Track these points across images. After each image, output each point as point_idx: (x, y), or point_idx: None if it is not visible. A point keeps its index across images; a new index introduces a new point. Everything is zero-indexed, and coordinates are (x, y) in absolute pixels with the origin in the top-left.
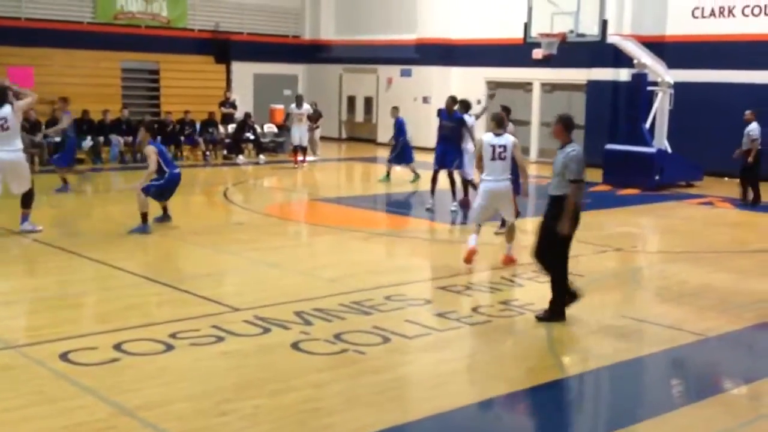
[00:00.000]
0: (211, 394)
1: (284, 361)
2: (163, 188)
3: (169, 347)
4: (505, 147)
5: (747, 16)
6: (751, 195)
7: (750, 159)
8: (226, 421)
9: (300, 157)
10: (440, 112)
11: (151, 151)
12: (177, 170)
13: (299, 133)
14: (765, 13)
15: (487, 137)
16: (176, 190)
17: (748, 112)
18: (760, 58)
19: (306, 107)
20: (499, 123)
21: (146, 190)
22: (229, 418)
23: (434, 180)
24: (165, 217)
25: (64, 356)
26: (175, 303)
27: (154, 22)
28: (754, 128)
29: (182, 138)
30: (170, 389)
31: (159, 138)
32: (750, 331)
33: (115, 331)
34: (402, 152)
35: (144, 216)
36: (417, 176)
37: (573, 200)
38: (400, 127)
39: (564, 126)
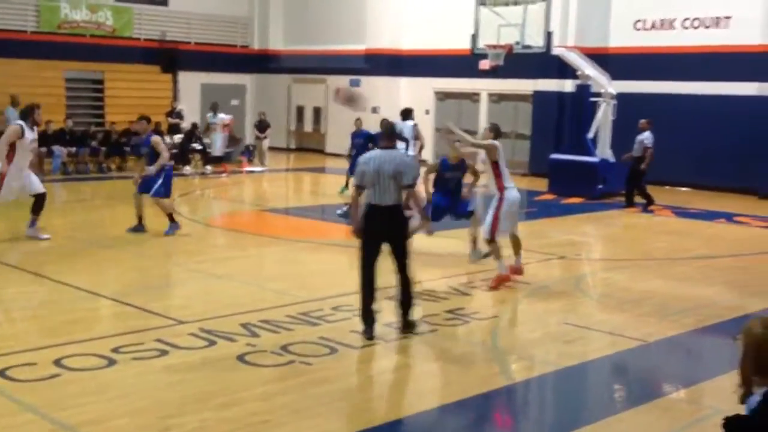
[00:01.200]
0: (154, 409)
1: (230, 373)
2: (168, 185)
3: (111, 362)
4: None
5: (687, 28)
6: (636, 199)
7: (643, 166)
8: None
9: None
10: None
11: (160, 140)
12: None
13: (217, 143)
14: (704, 26)
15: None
16: None
17: (642, 120)
18: (700, 69)
19: (221, 116)
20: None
21: (158, 194)
22: None
23: None
24: (140, 227)
25: (3, 372)
26: (118, 317)
27: (99, 31)
28: (648, 136)
29: (127, 148)
30: (112, 405)
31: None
32: (689, 336)
33: (56, 347)
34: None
35: (171, 216)
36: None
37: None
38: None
39: (383, 133)
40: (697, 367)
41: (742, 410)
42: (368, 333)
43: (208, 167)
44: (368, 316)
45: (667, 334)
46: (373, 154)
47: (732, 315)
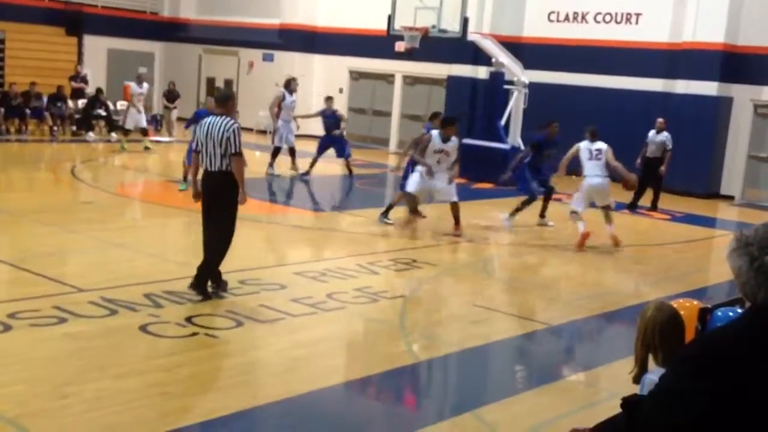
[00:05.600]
0: (51, 377)
1: (131, 343)
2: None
3: (7, 327)
4: (600, 150)
5: (599, 22)
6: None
7: (663, 168)
8: (66, 404)
9: None
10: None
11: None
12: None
13: None
14: (615, 21)
15: (584, 143)
16: None
17: (660, 120)
18: (609, 63)
19: None
20: (593, 135)
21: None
22: (70, 401)
23: None
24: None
25: None
26: (14, 282)
27: None
28: (669, 138)
29: (28, 111)
30: (7, 371)
31: None
32: (590, 321)
33: None
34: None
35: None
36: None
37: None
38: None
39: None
40: (596, 352)
41: (637, 390)
42: (198, 293)
43: (113, 134)
44: (199, 277)
45: (570, 319)
46: (206, 120)
47: (632, 302)
